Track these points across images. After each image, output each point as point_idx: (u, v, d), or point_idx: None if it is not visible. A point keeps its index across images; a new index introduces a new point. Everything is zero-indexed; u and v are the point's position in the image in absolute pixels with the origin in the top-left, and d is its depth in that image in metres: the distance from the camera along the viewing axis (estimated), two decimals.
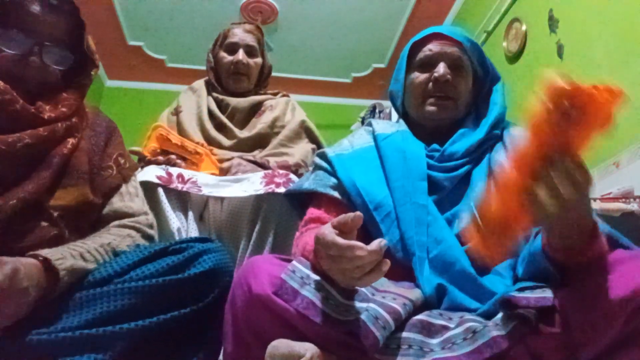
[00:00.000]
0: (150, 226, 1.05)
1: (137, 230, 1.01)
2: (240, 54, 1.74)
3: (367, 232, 0.97)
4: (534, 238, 0.79)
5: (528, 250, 0.80)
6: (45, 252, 0.80)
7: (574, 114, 0.58)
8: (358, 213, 0.72)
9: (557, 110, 0.58)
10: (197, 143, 1.60)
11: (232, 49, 1.76)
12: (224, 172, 1.51)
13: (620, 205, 1.32)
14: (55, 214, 0.90)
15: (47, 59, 0.94)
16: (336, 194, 1.03)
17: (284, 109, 1.77)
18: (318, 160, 1.13)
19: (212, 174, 1.48)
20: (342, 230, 0.72)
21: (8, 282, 0.72)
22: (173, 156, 1.51)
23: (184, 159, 1.54)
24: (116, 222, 1.00)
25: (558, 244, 0.72)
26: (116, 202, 1.03)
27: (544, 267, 0.76)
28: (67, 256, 0.82)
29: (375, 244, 0.68)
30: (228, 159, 1.54)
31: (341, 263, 0.70)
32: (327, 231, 0.71)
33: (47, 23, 0.94)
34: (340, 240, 0.69)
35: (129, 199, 1.05)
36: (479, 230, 0.65)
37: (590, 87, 0.58)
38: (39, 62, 0.93)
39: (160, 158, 1.51)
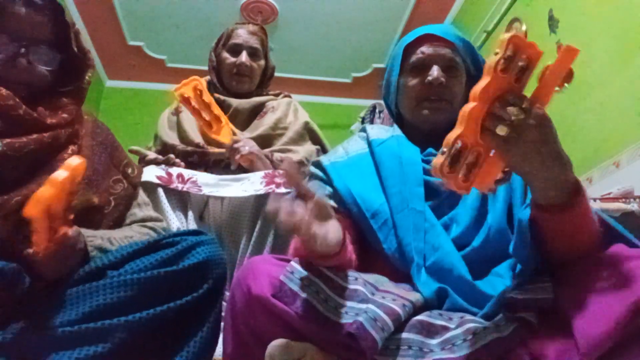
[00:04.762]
0: (165, 230, 1.11)
1: (155, 231, 1.06)
2: (244, 56, 1.73)
3: (365, 240, 0.98)
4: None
5: (517, 228, 0.80)
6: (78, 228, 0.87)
7: (517, 61, 0.69)
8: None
9: (503, 56, 0.68)
10: (198, 144, 1.60)
11: (236, 50, 1.75)
12: (233, 141, 1.51)
13: (620, 205, 1.32)
14: None
15: (35, 60, 0.94)
16: (332, 203, 1.01)
17: (286, 111, 1.76)
18: (313, 169, 1.12)
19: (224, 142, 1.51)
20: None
21: (74, 240, 0.81)
22: (172, 155, 1.51)
23: (185, 157, 1.55)
24: (137, 223, 1.07)
25: (540, 200, 0.73)
26: (139, 213, 1.09)
27: (527, 242, 0.76)
28: (97, 235, 0.90)
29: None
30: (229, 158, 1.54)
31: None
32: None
33: (32, 24, 0.93)
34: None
35: (145, 208, 1.12)
36: (447, 161, 0.68)
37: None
38: (26, 63, 0.93)
39: (160, 158, 1.51)
